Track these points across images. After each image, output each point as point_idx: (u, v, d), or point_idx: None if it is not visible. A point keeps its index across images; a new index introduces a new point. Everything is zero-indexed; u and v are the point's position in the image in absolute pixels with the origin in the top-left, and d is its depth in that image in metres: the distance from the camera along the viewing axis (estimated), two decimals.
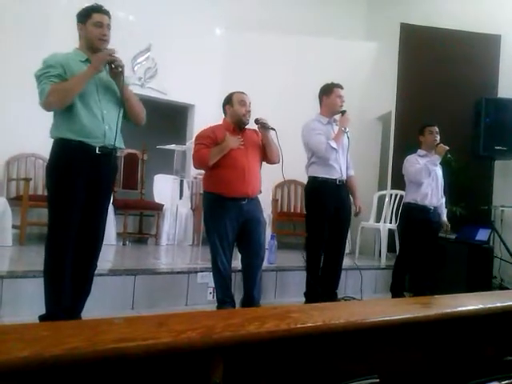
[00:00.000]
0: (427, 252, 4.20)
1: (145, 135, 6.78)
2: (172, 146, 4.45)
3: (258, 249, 3.30)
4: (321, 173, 3.64)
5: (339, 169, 3.65)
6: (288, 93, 5.99)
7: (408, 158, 4.32)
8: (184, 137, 6.47)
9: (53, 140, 2.54)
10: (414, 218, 4.21)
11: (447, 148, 4.13)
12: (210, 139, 3.19)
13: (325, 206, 3.62)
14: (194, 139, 3.31)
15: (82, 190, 2.49)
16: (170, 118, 7.09)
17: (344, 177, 3.69)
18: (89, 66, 2.49)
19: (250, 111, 3.28)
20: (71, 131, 2.47)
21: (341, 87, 3.72)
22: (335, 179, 3.64)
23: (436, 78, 5.50)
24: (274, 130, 3.30)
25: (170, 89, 6.12)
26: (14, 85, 4.93)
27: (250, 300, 3.28)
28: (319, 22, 6.59)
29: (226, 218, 3.17)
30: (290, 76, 6.12)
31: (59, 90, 2.41)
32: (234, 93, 3.34)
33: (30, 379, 0.65)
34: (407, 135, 5.35)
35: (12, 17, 5.05)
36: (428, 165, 4.12)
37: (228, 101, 3.33)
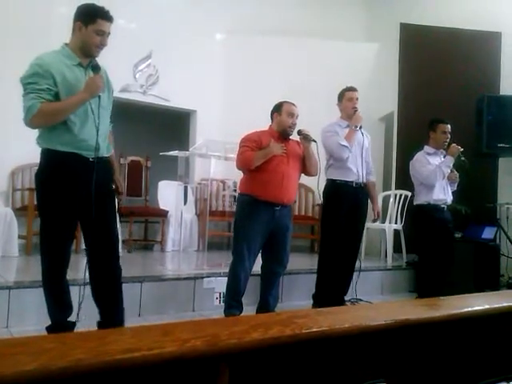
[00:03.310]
0: (446, 252, 4.07)
1: (148, 142, 6.84)
2: (175, 153, 4.46)
3: (283, 257, 3.34)
4: (338, 175, 3.66)
5: (356, 171, 3.65)
6: (289, 96, 5.99)
7: (416, 156, 4.12)
8: (187, 143, 6.49)
9: (41, 149, 2.40)
10: (430, 218, 4.04)
11: (461, 149, 3.95)
12: (255, 143, 3.23)
13: (339, 209, 3.62)
14: (239, 142, 3.34)
15: (76, 200, 2.38)
16: (172, 124, 7.11)
17: (362, 179, 3.68)
18: (85, 91, 2.29)
19: (295, 124, 3.31)
20: (63, 143, 2.34)
21: (352, 89, 3.74)
22: (352, 181, 3.64)
23: (437, 77, 5.50)
24: (315, 141, 3.35)
25: (171, 95, 6.13)
26: (15, 94, 4.95)
27: (266, 306, 3.30)
28: (319, 25, 6.60)
29: (257, 221, 3.18)
30: (291, 79, 6.12)
31: (47, 113, 2.26)
32: (284, 102, 3.36)
33: None
34: (410, 135, 5.35)
35: (15, 28, 5.08)
36: (442, 167, 3.95)
37: (277, 109, 3.35)
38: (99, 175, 2.43)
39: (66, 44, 2.43)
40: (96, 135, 2.39)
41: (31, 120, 2.26)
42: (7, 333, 2.81)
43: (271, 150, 3.17)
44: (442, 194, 4.08)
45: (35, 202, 4.66)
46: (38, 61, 2.32)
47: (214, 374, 0.80)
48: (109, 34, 2.39)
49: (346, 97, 3.73)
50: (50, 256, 2.45)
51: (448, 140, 4.05)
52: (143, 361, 0.71)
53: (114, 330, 0.80)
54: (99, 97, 2.40)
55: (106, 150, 2.52)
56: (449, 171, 4.04)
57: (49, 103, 2.27)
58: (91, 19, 2.32)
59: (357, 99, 3.72)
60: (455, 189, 4.23)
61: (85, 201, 2.40)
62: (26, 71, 2.31)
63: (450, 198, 4.14)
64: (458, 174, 4.16)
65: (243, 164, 3.24)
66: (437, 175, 3.97)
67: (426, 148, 4.14)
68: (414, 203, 4.22)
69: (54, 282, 2.48)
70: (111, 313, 2.51)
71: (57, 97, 2.31)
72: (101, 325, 2.49)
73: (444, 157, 4.07)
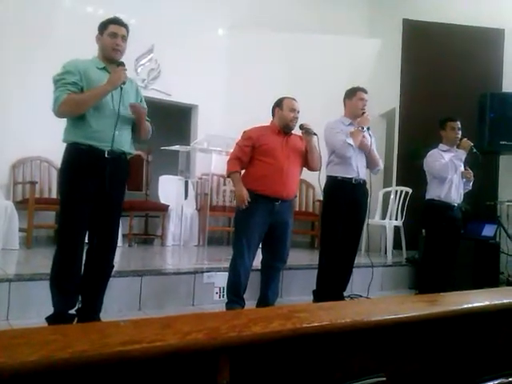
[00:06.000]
0: (450, 250, 4.08)
1: None
2: (176, 147, 4.46)
3: (283, 252, 3.35)
4: (338, 171, 3.67)
5: (356, 168, 3.66)
6: (292, 91, 5.97)
7: (431, 152, 4.18)
8: (188, 137, 6.48)
9: (65, 144, 2.58)
10: (439, 215, 4.07)
11: (471, 144, 4.02)
12: (249, 141, 3.28)
13: (339, 206, 3.64)
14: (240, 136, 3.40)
15: (91, 193, 2.53)
16: (173, 118, 7.09)
17: (360, 176, 3.69)
18: (107, 83, 2.51)
19: (297, 118, 3.33)
20: (81, 135, 2.51)
21: (364, 91, 3.74)
22: (351, 178, 3.65)
23: (440, 74, 5.48)
24: (316, 135, 3.36)
25: (173, 90, 6.13)
26: (16, 87, 4.95)
27: (265, 301, 3.32)
28: (322, 20, 6.59)
29: (256, 215, 3.19)
30: (294, 74, 6.11)
31: (73, 102, 2.46)
32: (285, 97, 3.39)
33: (38, 383, 0.66)
34: (411, 132, 5.35)
35: (14, 18, 5.07)
36: (454, 160, 4.01)
37: (278, 104, 3.38)
38: (112, 173, 2.56)
39: (95, 56, 2.71)
40: (114, 128, 2.54)
41: (58, 109, 2.47)
42: (7, 325, 2.82)
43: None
44: (456, 192, 4.11)
45: (40, 196, 4.72)
46: (69, 62, 2.57)
47: (215, 366, 0.80)
48: (124, 37, 2.62)
49: (358, 96, 3.71)
50: (66, 246, 2.56)
51: (459, 136, 4.11)
52: (144, 353, 0.71)
53: (114, 323, 0.80)
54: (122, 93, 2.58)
55: (127, 146, 2.66)
56: (461, 164, 4.06)
57: (74, 94, 2.48)
58: (104, 26, 2.62)
59: (366, 101, 3.72)
60: (470, 188, 4.26)
61: (93, 193, 2.54)
62: (58, 72, 2.53)
63: (459, 196, 4.16)
64: (472, 173, 4.19)
65: (229, 166, 3.34)
66: (448, 168, 4.01)
67: (441, 146, 4.21)
68: (426, 198, 4.21)
69: (66, 273, 2.55)
70: (92, 303, 2.68)
71: (83, 91, 2.52)
72: (79, 311, 2.64)
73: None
